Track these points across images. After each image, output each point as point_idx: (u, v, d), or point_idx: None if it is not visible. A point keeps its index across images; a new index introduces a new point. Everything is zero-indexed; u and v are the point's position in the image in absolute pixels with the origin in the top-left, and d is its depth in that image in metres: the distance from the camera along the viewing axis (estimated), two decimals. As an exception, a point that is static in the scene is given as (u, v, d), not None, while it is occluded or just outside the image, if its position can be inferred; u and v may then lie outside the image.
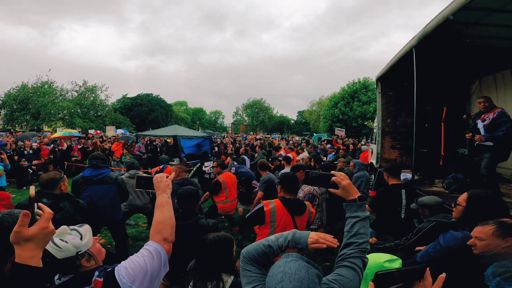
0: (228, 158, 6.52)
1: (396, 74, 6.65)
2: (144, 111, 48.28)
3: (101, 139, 13.57)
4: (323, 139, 21.47)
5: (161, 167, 5.39)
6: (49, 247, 1.16)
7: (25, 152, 8.76)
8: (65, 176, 2.86)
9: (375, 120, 9.66)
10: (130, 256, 1.23)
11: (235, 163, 6.45)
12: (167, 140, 12.55)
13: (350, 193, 1.35)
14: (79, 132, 21.29)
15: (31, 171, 8.50)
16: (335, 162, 7.44)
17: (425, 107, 5.49)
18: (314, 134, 34.14)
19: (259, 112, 64.84)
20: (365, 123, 27.47)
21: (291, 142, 17.39)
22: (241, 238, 4.76)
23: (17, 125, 35.46)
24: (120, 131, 22.04)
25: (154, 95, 52.17)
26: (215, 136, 17.14)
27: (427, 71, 5.91)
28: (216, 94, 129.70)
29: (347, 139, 16.60)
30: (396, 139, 7.71)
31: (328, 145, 11.56)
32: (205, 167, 6.77)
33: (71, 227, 1.28)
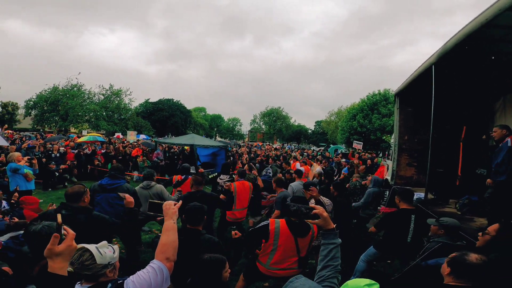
0: (246, 166, 6.65)
1: (415, 90, 6.55)
2: (164, 116, 49.62)
3: (123, 144, 14.16)
4: (339, 151, 21.16)
5: (183, 177, 5.52)
6: (95, 252, 1.52)
7: (53, 155, 9.35)
8: (87, 189, 3.09)
9: (392, 136, 9.49)
10: (137, 272, 1.43)
11: (269, 169, 6.65)
12: (185, 148, 12.90)
13: (329, 223, 1.60)
14: (103, 136, 22.25)
15: (57, 174, 9.03)
16: (350, 178, 7.37)
17: (444, 125, 5.37)
18: (331, 145, 33.68)
19: (277, 120, 64.92)
20: (383, 137, 26.81)
21: (305, 154, 17.25)
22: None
23: (46, 126, 37.56)
24: (142, 136, 22.77)
25: (174, 100, 53.59)
26: (231, 146, 17.34)
27: (447, 89, 5.78)
28: (234, 101, 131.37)
29: (364, 153, 16.26)
30: (413, 156, 7.53)
31: (343, 159, 11.40)
32: (220, 179, 6.88)
33: (108, 243, 1.64)
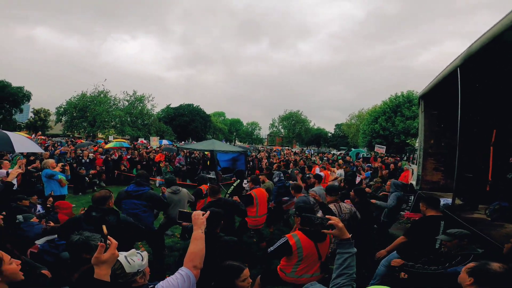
0: (262, 176, 6.66)
1: (440, 93, 6.31)
2: (185, 121, 50.77)
3: (146, 150, 14.70)
4: (360, 155, 20.64)
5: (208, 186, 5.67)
6: (124, 262, 1.60)
7: (83, 160, 9.91)
8: (112, 194, 3.27)
9: (417, 140, 9.17)
10: (167, 278, 1.55)
11: (281, 174, 6.68)
12: (205, 153, 13.17)
13: (344, 233, 1.64)
14: (128, 141, 23.14)
15: (87, 179, 9.55)
16: (370, 183, 7.20)
17: (471, 129, 5.13)
18: (352, 149, 32.89)
19: (296, 124, 64.43)
20: (408, 141, 25.81)
21: (325, 158, 16.98)
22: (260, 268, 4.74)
23: (75, 132, 39.71)
24: (165, 141, 23.44)
25: (194, 105, 54.72)
26: (250, 151, 17.45)
27: (475, 91, 5.52)
28: (252, 105, 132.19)
29: (387, 157, 15.75)
30: (440, 161, 7.22)
31: (365, 163, 11.12)
32: (245, 184, 6.97)
33: (137, 251, 1.72)
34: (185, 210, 1.96)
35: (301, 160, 13.70)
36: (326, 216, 1.73)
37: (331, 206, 3.89)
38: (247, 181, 6.66)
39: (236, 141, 71.03)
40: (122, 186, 10.95)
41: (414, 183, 8.08)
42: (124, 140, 20.93)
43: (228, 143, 35.49)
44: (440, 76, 5.45)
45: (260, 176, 6.22)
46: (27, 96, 40.83)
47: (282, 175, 7.07)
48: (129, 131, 39.52)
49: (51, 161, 5.82)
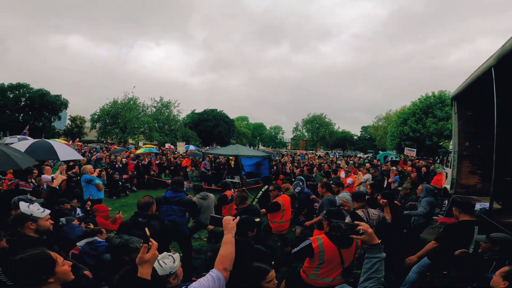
0: (286, 184, 6.65)
1: (474, 93, 5.98)
2: (209, 126, 51.76)
3: (174, 155, 15.26)
4: (389, 158, 19.85)
5: (233, 192, 5.82)
6: (156, 265, 1.69)
7: (117, 166, 10.52)
8: (154, 200, 3.48)
9: (451, 143, 8.69)
10: (199, 279, 1.66)
11: (301, 182, 6.65)
12: (230, 158, 13.40)
13: (373, 238, 1.71)
14: (156, 147, 24.07)
15: (120, 183, 10.12)
16: (399, 188, 6.94)
17: (510, 130, 4.80)
18: (380, 152, 31.70)
19: (320, 127, 63.37)
20: (441, 143, 24.40)
21: (351, 162, 16.53)
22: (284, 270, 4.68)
23: (108, 137, 42.00)
24: (191, 147, 24.12)
25: (218, 110, 55.65)
26: (274, 155, 17.46)
27: (513, 91, 5.18)
28: (275, 109, 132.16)
29: (417, 160, 15.02)
30: (476, 163, 6.80)
31: (393, 167, 10.71)
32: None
33: (168, 253, 1.83)
34: (217, 216, 2.08)
35: (326, 164, 13.47)
36: (355, 222, 1.79)
37: (359, 212, 3.84)
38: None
39: (260, 146, 71.22)
40: (151, 190, 11.48)
41: (448, 187, 7.68)
42: (153, 146, 21.81)
43: (251, 147, 35.77)
44: (473, 76, 5.19)
45: (283, 185, 6.23)
46: (64, 104, 43.89)
47: (301, 183, 6.98)
48: (156, 136, 41.11)
49: (89, 166, 6.27)
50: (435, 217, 6.97)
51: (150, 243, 1.52)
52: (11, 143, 11.44)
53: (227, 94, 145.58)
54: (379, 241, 1.71)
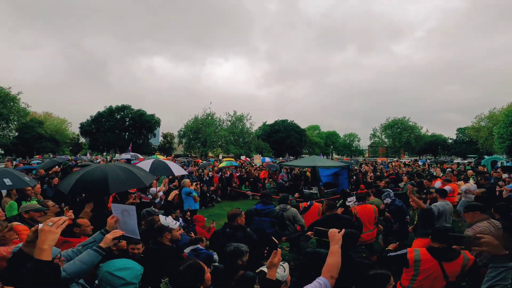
0: (371, 196, 6.24)
1: None
2: (281, 137, 52.37)
3: (252, 168, 15.99)
4: (498, 163, 16.41)
5: (308, 203, 5.85)
6: (280, 270, 1.93)
7: (204, 178, 11.63)
8: (242, 212, 3.74)
9: None
10: (306, 286, 1.77)
11: (392, 193, 6.22)
12: (306, 169, 13.29)
13: (500, 250, 1.73)
14: (235, 159, 25.62)
15: (208, 194, 11.12)
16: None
17: None
18: (485, 156, 26.50)
19: (402, 132, 56.99)
20: None
21: (448, 170, 14.28)
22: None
23: (192, 152, 46.75)
24: (267, 159, 24.88)
25: (289, 121, 55.98)
26: (352, 165, 16.51)
27: None
28: (348, 115, 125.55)
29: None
30: None
31: (505, 174, 8.81)
32: (348, 202, 6.77)
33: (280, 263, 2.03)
34: (322, 228, 2.24)
35: (415, 173, 12.00)
36: (477, 234, 1.85)
37: (484, 223, 3.43)
38: (353, 199, 6.41)
39: (333, 154, 68.36)
40: (233, 201, 12.27)
41: None
42: (232, 159, 23.29)
43: (324, 156, 34.59)
44: None
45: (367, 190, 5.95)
46: (157, 122, 50.83)
47: (392, 194, 6.41)
48: (232, 149, 43.81)
49: (188, 180, 7.13)
50: None
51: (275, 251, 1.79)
52: (128, 159, 13.93)
53: (295, 103, 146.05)
54: (507, 252, 1.73)
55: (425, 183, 8.38)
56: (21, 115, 36.42)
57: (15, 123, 37.09)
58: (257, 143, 46.91)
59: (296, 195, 7.98)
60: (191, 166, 14.26)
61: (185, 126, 45.82)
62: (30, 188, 4.41)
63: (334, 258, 1.92)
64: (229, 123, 47.83)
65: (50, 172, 8.35)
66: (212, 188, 11.59)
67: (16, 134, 38.27)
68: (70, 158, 19.70)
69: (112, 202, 4.11)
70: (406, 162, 24.25)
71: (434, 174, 14.39)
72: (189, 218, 5.88)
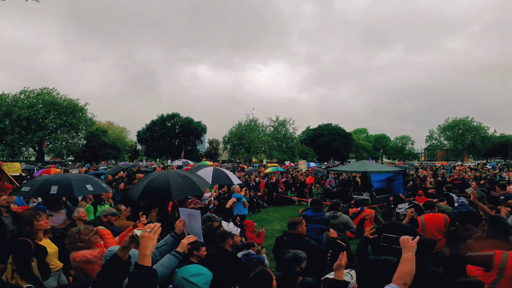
0: (439, 203, 5.74)
1: None
2: (325, 141, 50.90)
3: (298, 173, 15.80)
4: None
5: (358, 209, 5.65)
6: (347, 277, 2.01)
7: (251, 184, 11.82)
8: (303, 220, 3.70)
9: None
10: None
11: (463, 199, 5.83)
12: (355, 175, 12.70)
13: None
14: (279, 165, 25.59)
15: (254, 200, 11.27)
16: None
17: None
18: None
19: (465, 133, 51.06)
20: None
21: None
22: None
23: (236, 157, 47.88)
24: (312, 164, 24.42)
25: (333, 124, 54.19)
26: (408, 170, 15.30)
27: None
28: (398, 117, 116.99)
29: None
30: None
31: None
32: (399, 209, 6.38)
33: (346, 270, 2.07)
34: (392, 235, 2.22)
35: (486, 178, 10.63)
36: None
37: None
38: (404, 206, 6.00)
39: (383, 158, 64.07)
40: (279, 206, 12.25)
41: None
42: (276, 165, 23.27)
43: (373, 160, 32.68)
44: None
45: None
46: (204, 129, 53.29)
47: (462, 200, 5.93)
48: (276, 154, 43.79)
49: (237, 186, 7.30)
50: None
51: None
52: (179, 165, 14.88)
53: (339, 106, 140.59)
54: None
55: (497, 190, 7.39)
56: (88, 125, 41.32)
57: (83, 132, 42.15)
58: (300, 148, 46.21)
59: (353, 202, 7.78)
60: (237, 171, 14.61)
61: (229, 132, 47.17)
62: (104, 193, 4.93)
63: (408, 265, 1.87)
64: (272, 129, 48.00)
65: (116, 177, 9.30)
66: (259, 193, 11.72)
67: (84, 142, 43.34)
68: (134, 163, 21.54)
69: (177, 206, 4.43)
70: (472, 166, 21.67)
71: (508, 179, 12.62)
72: (239, 223, 6.02)
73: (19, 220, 3.37)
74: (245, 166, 22.79)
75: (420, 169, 18.58)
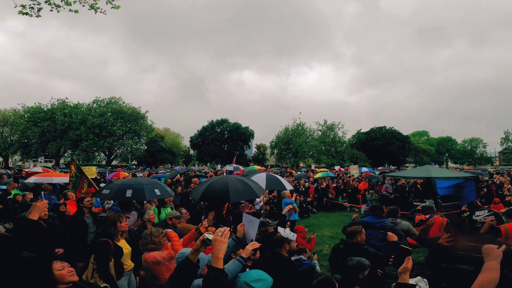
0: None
1: None
2: (379, 145, 47.82)
3: (350, 178, 15.12)
4: None
5: (427, 216, 5.27)
6: (422, 284, 2.03)
7: (300, 189, 11.68)
8: (363, 229, 3.56)
9: None
10: None
11: None
12: (416, 181, 11.67)
13: None
14: (328, 169, 24.79)
15: (304, 205, 11.10)
16: None
17: None
18: None
19: (555, 133, 43.12)
20: None
21: None
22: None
23: (283, 162, 47.69)
24: (364, 169, 23.18)
25: (387, 127, 50.71)
26: (482, 176, 13.54)
27: None
28: (466, 118, 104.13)
29: None
30: None
31: None
32: (476, 216, 5.72)
33: (421, 278, 2.10)
34: (406, 246, 2.34)
35: None
36: None
37: None
38: (483, 214, 5.55)
39: (449, 163, 57.49)
40: (329, 212, 11.86)
41: None
42: (326, 170, 22.60)
43: (437, 165, 29.52)
44: None
45: None
46: (251, 134, 54.33)
47: None
48: (324, 159, 42.48)
49: (288, 191, 7.31)
50: None
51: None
52: (230, 170, 15.46)
53: (393, 108, 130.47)
54: None
55: None
56: (148, 131, 45.56)
57: (145, 138, 46.57)
58: (351, 153, 44.05)
59: (419, 207, 7.33)
60: (286, 177, 14.55)
61: (276, 137, 47.31)
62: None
63: (491, 274, 1.77)
64: (320, 133, 46.81)
65: (174, 180, 10.05)
66: (308, 199, 11.51)
67: (146, 147, 47.74)
68: (187, 168, 22.93)
69: (231, 211, 4.66)
70: None
71: None
72: (289, 228, 6.02)
73: (100, 220, 3.79)
74: (294, 171, 22.57)
75: (495, 175, 16.30)
